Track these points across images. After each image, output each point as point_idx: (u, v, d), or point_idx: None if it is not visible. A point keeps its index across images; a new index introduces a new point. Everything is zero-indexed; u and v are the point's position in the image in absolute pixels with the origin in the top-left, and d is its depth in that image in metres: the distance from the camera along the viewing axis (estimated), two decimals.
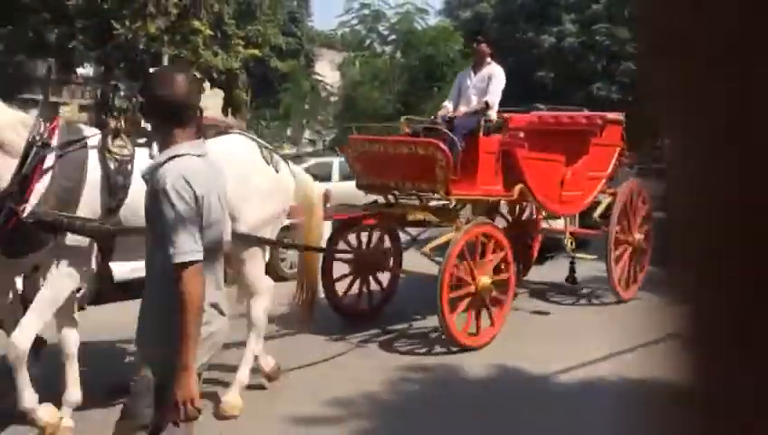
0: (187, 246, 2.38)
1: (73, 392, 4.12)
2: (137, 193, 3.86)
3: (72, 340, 4.10)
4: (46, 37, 22.52)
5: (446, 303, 5.76)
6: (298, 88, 22.15)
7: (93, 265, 4.20)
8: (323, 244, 6.03)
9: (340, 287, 6.81)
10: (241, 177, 4.37)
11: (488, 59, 6.86)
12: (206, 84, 23.53)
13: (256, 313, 4.78)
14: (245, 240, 4.55)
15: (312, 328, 6.03)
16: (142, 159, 4.16)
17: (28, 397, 3.90)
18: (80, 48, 23.23)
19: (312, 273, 5.49)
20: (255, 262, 4.75)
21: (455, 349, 6.01)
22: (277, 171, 4.84)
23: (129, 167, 4.19)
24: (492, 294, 6.10)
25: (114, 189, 4.12)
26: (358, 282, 6.85)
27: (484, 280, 6.04)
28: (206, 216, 2.47)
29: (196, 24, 23.24)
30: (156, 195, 2.43)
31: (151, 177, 2.50)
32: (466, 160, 6.23)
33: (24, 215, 3.80)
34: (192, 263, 2.38)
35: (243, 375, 4.68)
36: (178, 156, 2.48)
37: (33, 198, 3.87)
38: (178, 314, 2.36)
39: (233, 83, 23.12)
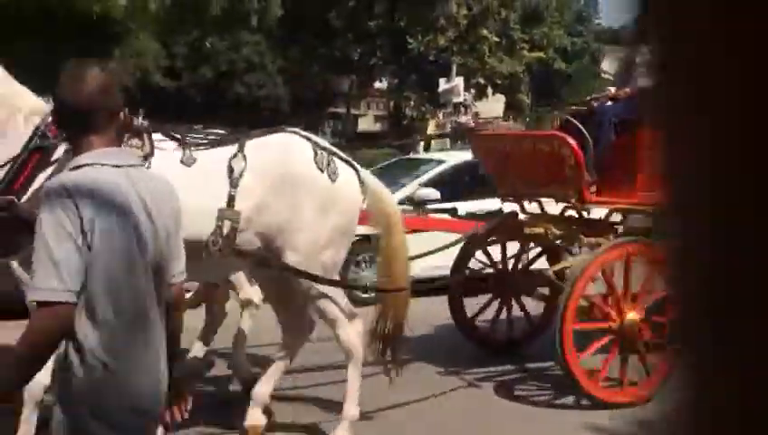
0: (43, 282, 1.79)
1: None
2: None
3: None
4: (350, 55, 24.67)
5: (567, 335, 4.44)
6: (585, 87, 20.85)
7: None
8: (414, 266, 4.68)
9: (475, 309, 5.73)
10: (280, 190, 3.60)
11: None
12: (489, 90, 23.41)
13: (348, 339, 3.83)
14: (297, 276, 3.68)
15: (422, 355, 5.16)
16: (162, 160, 3.45)
17: None
18: (378, 63, 25.04)
19: (399, 304, 4.16)
20: (322, 293, 3.78)
21: (584, 402, 4.59)
22: (333, 181, 3.73)
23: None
24: (645, 337, 4.56)
25: None
26: (496, 305, 5.71)
27: (632, 316, 4.55)
28: (101, 245, 1.82)
29: (484, 32, 23.40)
30: None
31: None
32: (618, 157, 4.73)
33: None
34: (47, 304, 1.78)
35: (350, 411, 3.84)
36: (78, 166, 1.92)
37: (25, 191, 3.34)
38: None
39: (515, 87, 22.63)
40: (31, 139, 3.42)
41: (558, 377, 4.98)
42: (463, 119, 13.61)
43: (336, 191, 3.71)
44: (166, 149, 3.57)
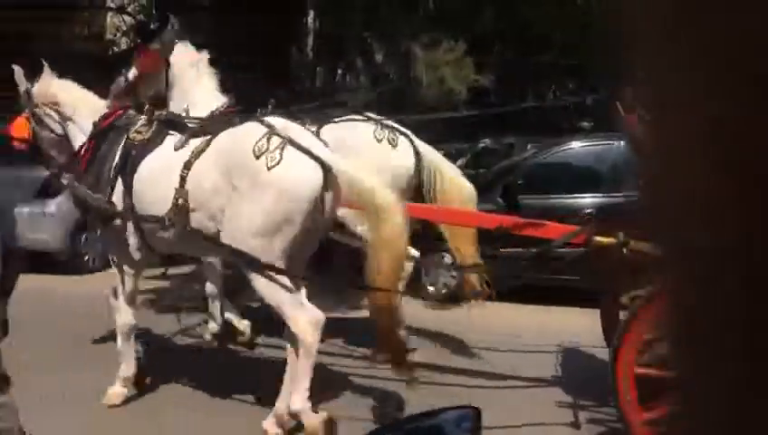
0: None
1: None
2: (142, 179, 3.98)
3: None
4: None
5: (627, 399, 3.25)
6: None
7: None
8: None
9: None
10: (226, 176, 3.81)
11: None
12: None
13: (297, 327, 3.69)
14: (237, 259, 3.83)
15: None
16: (169, 145, 4.03)
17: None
18: None
19: (384, 308, 3.78)
20: (266, 281, 3.71)
21: None
22: (269, 168, 3.63)
23: (139, 152, 4.05)
24: None
25: (123, 173, 4.05)
26: None
27: None
28: None
29: None
30: None
31: None
32: None
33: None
34: None
35: (296, 404, 3.66)
36: None
37: (89, 166, 4.17)
38: None
39: None
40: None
41: None
42: None
43: (270, 177, 3.59)
44: (174, 135, 4.06)
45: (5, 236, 2.65)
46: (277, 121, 3.83)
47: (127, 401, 4.27)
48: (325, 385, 4.10)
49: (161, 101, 4.36)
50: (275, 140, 3.65)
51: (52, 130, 4.48)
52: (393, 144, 4.68)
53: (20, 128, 4.54)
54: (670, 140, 0.41)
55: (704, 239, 0.40)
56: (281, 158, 3.61)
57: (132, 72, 4.52)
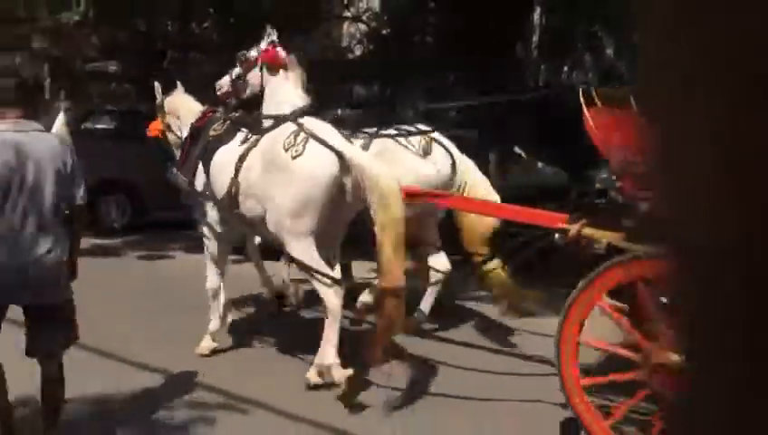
0: None
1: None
2: (214, 167, 4.74)
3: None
4: None
5: (568, 379, 3.41)
6: None
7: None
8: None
9: None
10: (266, 169, 4.42)
11: None
12: None
13: (326, 296, 4.34)
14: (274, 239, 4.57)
15: None
16: (237, 140, 4.76)
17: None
18: None
19: (391, 304, 4.01)
20: (299, 256, 4.31)
21: None
22: (294, 158, 4.22)
23: (214, 145, 4.83)
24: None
25: (204, 163, 4.88)
26: None
27: (668, 357, 3.07)
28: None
29: None
30: None
31: None
32: None
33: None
34: None
35: (325, 358, 4.23)
36: None
37: (186, 163, 5.09)
38: None
39: None
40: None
41: None
42: None
43: (294, 166, 4.20)
44: (243, 132, 4.79)
45: (73, 197, 3.32)
46: (308, 120, 4.42)
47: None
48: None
49: (257, 100, 4.91)
50: (301, 136, 4.29)
51: (175, 134, 5.48)
52: (427, 152, 5.19)
53: (154, 128, 5.74)
54: (670, 141, 0.41)
55: (704, 239, 0.39)
56: (303, 150, 4.24)
57: (236, 72, 5.01)
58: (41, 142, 3.22)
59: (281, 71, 4.73)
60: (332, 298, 4.21)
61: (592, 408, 3.43)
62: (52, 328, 3.24)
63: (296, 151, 4.24)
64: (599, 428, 3.37)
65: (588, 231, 3.71)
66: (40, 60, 10.95)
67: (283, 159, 4.27)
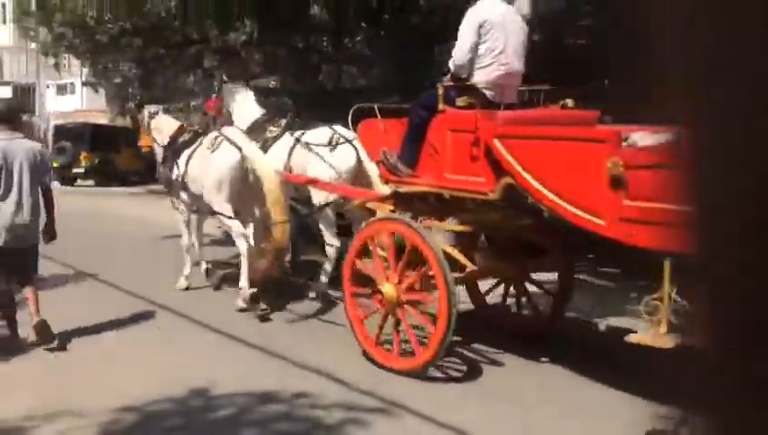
0: None
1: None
2: (181, 163, 7.09)
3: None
4: None
5: (347, 298, 5.25)
6: None
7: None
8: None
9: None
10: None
11: None
12: None
13: (238, 242, 6.57)
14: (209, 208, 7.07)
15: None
16: (194, 145, 7.10)
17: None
18: None
19: (279, 232, 6.47)
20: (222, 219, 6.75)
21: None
22: (212, 153, 6.64)
23: (183, 148, 7.21)
24: (409, 311, 4.79)
25: (177, 160, 7.33)
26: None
27: (387, 288, 4.83)
28: (5, 165, 5.13)
29: None
30: None
31: None
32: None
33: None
34: None
35: (242, 285, 6.45)
36: None
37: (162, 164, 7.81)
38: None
39: None
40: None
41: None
42: None
43: (211, 157, 6.63)
44: (205, 137, 7.13)
45: (44, 182, 5.36)
46: (226, 129, 6.96)
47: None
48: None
49: (230, 115, 7.68)
50: (219, 139, 6.69)
51: (160, 144, 7.69)
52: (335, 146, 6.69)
53: (145, 143, 8.91)
54: (702, 141, 0.40)
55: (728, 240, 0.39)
56: (218, 147, 6.63)
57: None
58: (21, 146, 5.24)
59: (237, 96, 7.71)
60: (242, 243, 6.46)
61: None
62: (34, 255, 5.42)
63: (214, 149, 6.61)
64: (353, 316, 5.17)
65: (372, 205, 5.71)
66: None
67: (206, 154, 6.67)
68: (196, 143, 6.96)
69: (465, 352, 5.28)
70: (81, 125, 25.28)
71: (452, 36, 5.13)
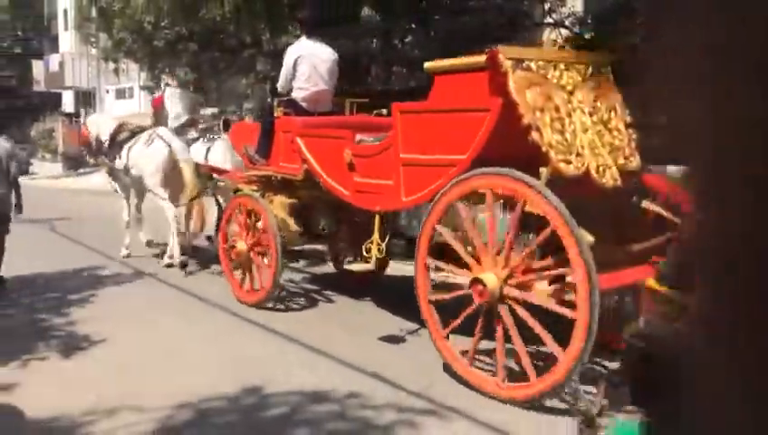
0: None
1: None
2: (123, 155, 9.01)
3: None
4: None
5: (222, 254, 7.31)
6: None
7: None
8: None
9: None
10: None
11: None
12: None
13: (167, 216, 8.51)
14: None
15: None
16: (133, 140, 9.03)
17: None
18: None
19: (199, 210, 9.27)
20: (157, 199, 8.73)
21: None
22: (147, 148, 8.60)
23: (121, 144, 9.18)
24: (254, 260, 6.79)
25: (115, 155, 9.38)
26: None
27: (240, 245, 6.87)
28: None
29: None
30: None
31: None
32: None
33: None
34: None
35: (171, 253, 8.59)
36: None
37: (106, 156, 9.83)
38: None
39: None
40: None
41: None
42: None
43: (147, 150, 8.55)
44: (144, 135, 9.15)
45: (17, 172, 7.48)
46: (159, 129, 8.91)
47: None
48: None
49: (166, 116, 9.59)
50: (153, 136, 8.61)
51: (100, 140, 9.53)
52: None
53: (83, 139, 10.34)
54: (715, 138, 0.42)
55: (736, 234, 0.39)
56: (152, 142, 8.52)
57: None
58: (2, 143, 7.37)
59: (175, 97, 9.62)
60: (170, 215, 8.39)
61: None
62: (6, 223, 7.41)
63: (149, 144, 8.52)
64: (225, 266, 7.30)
65: (241, 185, 7.32)
66: None
67: (143, 148, 8.54)
68: (134, 139, 8.84)
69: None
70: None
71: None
